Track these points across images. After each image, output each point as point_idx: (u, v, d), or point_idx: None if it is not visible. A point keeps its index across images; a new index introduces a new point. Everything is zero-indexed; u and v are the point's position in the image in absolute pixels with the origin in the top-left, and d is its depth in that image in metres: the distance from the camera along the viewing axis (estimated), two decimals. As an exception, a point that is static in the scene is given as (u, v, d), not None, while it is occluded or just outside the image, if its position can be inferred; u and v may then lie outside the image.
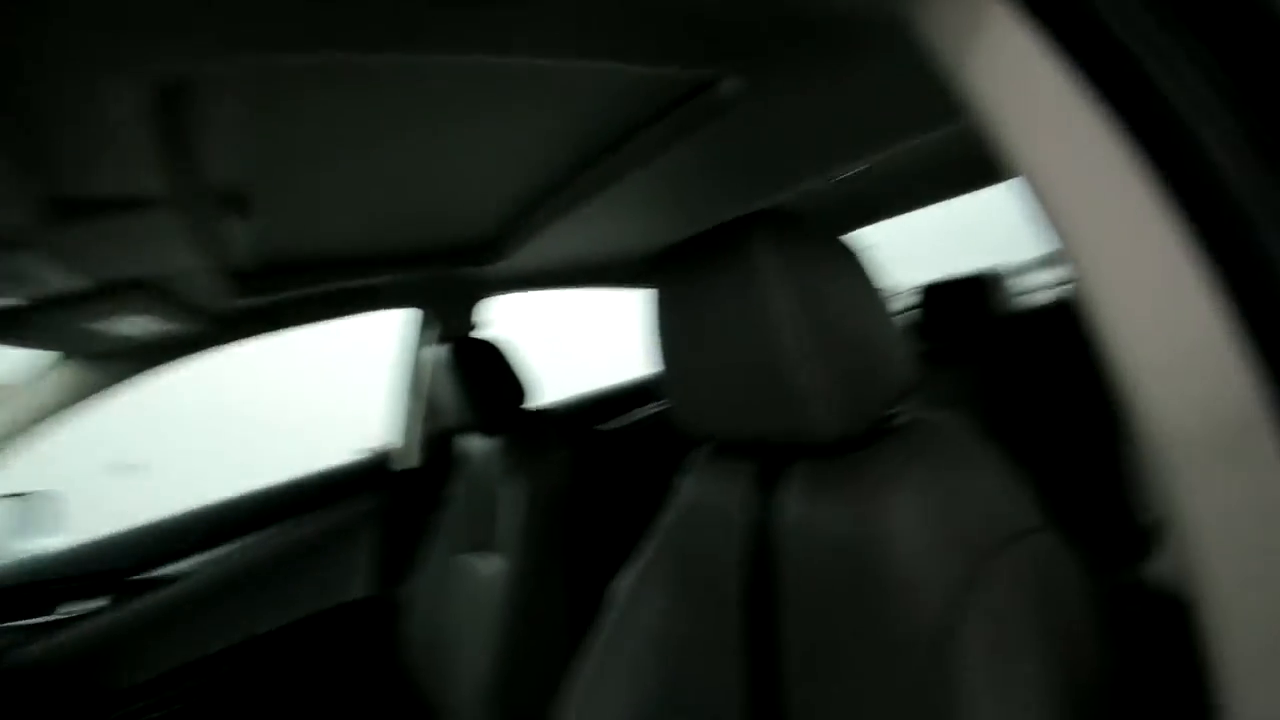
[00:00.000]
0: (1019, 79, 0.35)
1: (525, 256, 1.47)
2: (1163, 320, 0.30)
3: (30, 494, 1.41)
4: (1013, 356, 1.53)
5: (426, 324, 1.71)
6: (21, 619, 1.27)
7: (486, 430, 1.30)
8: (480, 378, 1.28)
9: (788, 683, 0.56)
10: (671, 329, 0.63)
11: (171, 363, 1.34)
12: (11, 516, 1.38)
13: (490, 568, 1.25)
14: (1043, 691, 0.41)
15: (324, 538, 1.59)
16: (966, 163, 1.38)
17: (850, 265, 0.57)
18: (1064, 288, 1.59)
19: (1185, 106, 0.28)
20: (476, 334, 1.57)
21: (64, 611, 1.31)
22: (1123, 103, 0.31)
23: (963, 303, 1.62)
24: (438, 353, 1.33)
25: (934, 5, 0.41)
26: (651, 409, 2.17)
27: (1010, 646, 0.43)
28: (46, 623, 1.29)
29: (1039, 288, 1.87)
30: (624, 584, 0.73)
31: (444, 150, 0.86)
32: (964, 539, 0.48)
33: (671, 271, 0.63)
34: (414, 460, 1.71)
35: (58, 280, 0.73)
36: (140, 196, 0.62)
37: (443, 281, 1.58)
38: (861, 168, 1.24)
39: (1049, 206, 0.35)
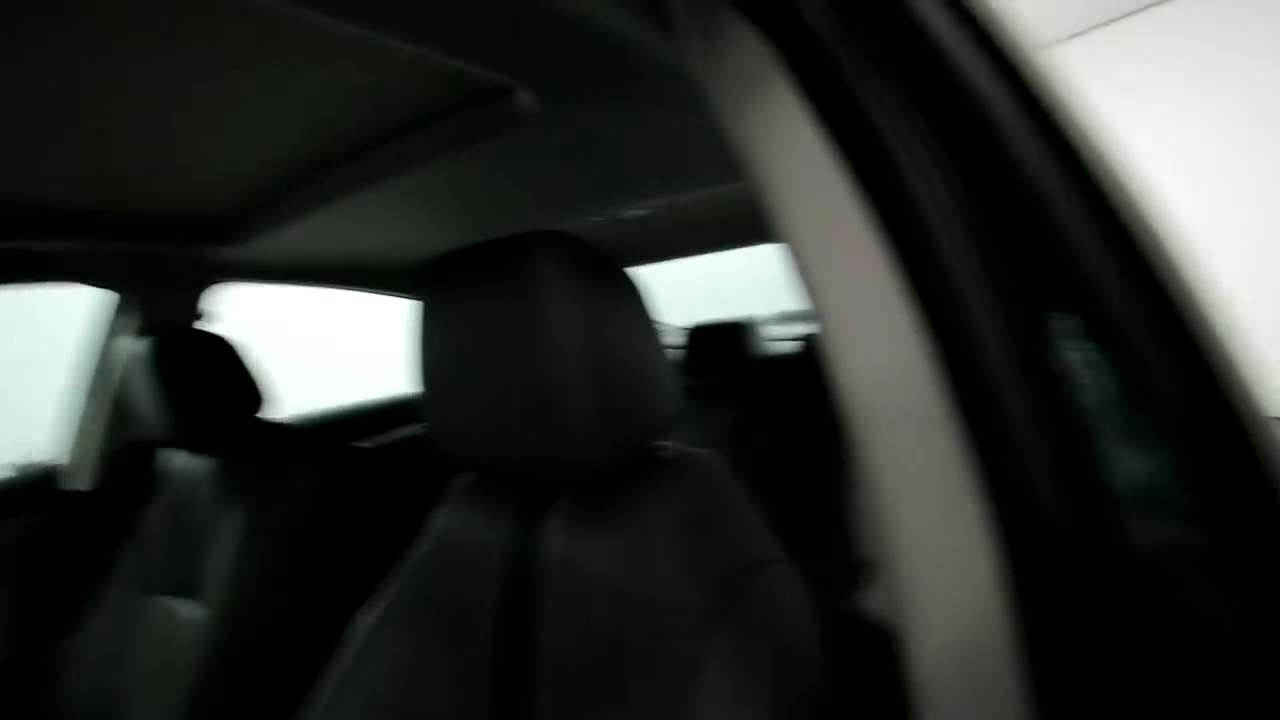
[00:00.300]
0: (785, 150, 0.37)
1: (275, 243, 1.25)
2: (883, 375, 0.33)
3: None
4: (761, 398, 1.72)
5: (124, 309, 1.35)
6: None
7: (199, 445, 1.06)
8: (195, 380, 1.04)
9: (537, 717, 0.53)
10: (436, 343, 0.57)
11: None
12: None
13: (190, 612, 1.01)
14: (771, 711, 0.43)
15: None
16: (743, 219, 1.53)
17: (630, 297, 0.57)
18: (804, 340, 1.84)
19: (923, 198, 0.32)
20: (197, 326, 1.29)
21: None
22: (872, 183, 0.35)
23: (722, 345, 1.78)
24: (134, 346, 1.06)
25: (715, 65, 0.42)
26: (420, 427, 1.99)
27: (746, 668, 0.45)
28: None
29: (783, 338, 2.15)
30: (364, 622, 0.64)
31: (190, 97, 0.68)
32: (712, 567, 0.49)
33: (442, 281, 0.57)
34: (89, 480, 1.33)
35: None
36: None
37: (156, 258, 1.27)
38: (647, 210, 1.30)
39: (801, 268, 0.37)
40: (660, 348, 0.59)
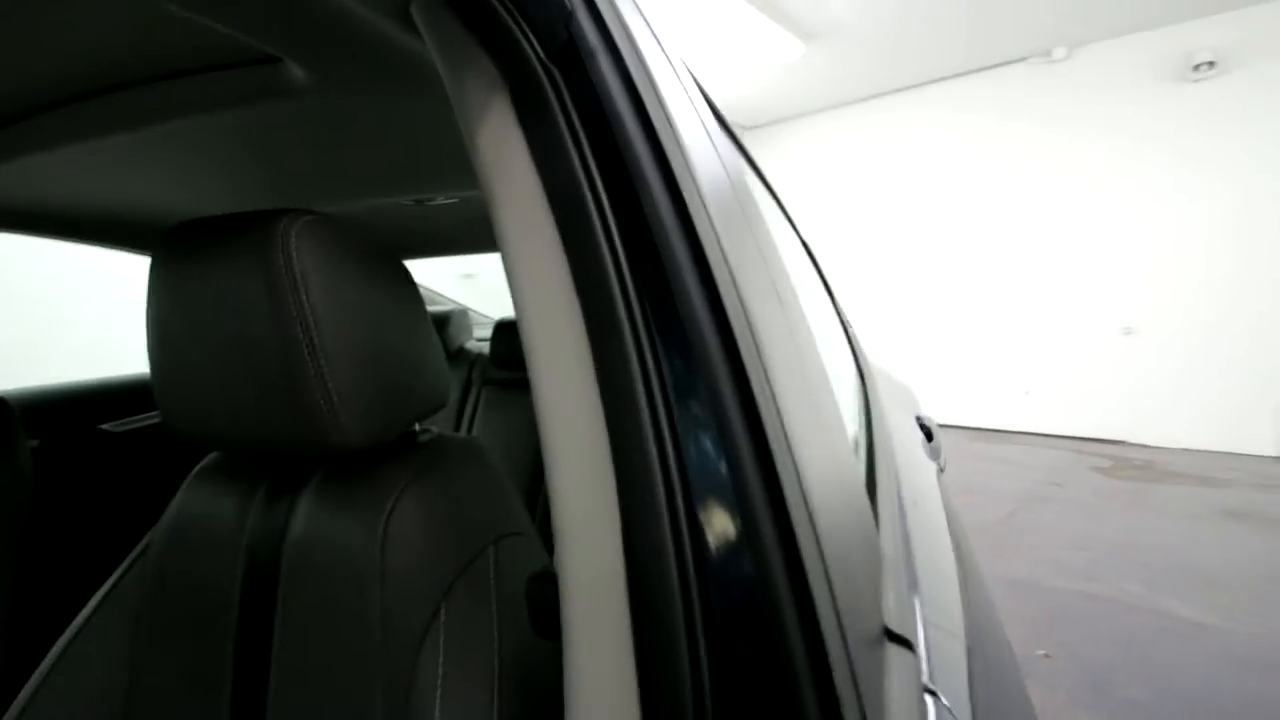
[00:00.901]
0: (501, 153, 0.42)
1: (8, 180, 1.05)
2: (553, 360, 0.39)
3: None
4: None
5: None
6: None
7: None
8: None
9: (274, 696, 0.53)
10: (171, 315, 0.54)
11: None
12: None
13: None
14: (492, 674, 0.48)
15: None
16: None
17: (391, 281, 0.58)
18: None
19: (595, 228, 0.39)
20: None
21: None
22: (560, 203, 0.41)
23: (516, 339, 1.81)
24: None
25: (456, 78, 0.46)
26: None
27: (471, 636, 0.50)
28: None
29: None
30: (78, 621, 0.59)
31: None
32: (454, 543, 0.53)
33: (180, 249, 0.54)
34: None
35: None
36: None
37: None
38: (455, 199, 1.29)
39: (511, 273, 0.42)
40: (427, 334, 0.61)
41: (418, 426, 0.61)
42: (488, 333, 1.89)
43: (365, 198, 1.22)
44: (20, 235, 1.35)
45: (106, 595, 0.61)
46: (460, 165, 1.01)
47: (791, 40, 4.62)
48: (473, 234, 1.61)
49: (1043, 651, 2.16)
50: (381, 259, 0.59)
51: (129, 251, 1.57)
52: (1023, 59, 5.26)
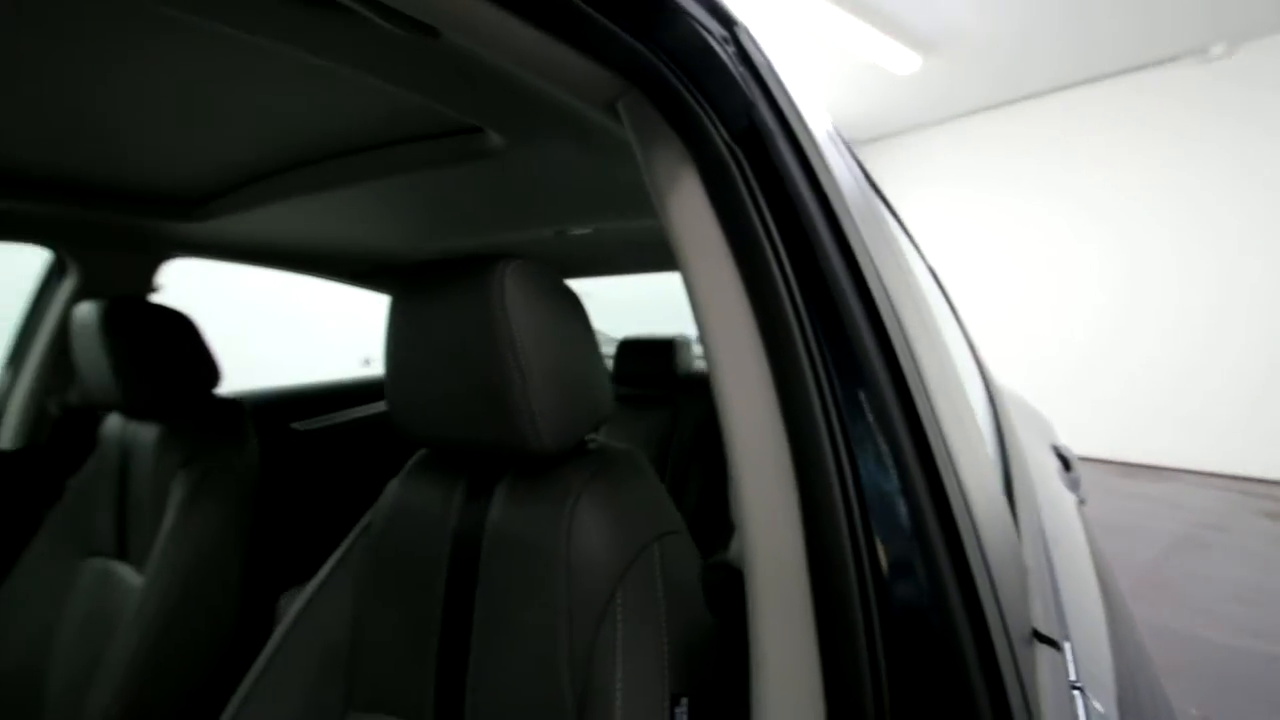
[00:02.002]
0: (690, 224, 0.51)
1: (234, 224, 1.30)
2: (744, 396, 0.47)
3: None
4: (687, 410, 1.88)
5: (64, 272, 1.36)
6: None
7: (149, 413, 1.10)
8: (147, 349, 1.09)
9: (475, 651, 0.64)
10: (406, 337, 0.67)
11: None
12: None
13: (126, 576, 1.05)
14: (662, 645, 0.57)
15: None
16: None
17: (573, 310, 0.69)
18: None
19: (776, 282, 0.47)
20: (149, 297, 1.32)
21: None
22: (743, 257, 0.49)
23: (653, 359, 1.93)
24: (84, 313, 1.09)
25: (649, 153, 0.55)
26: (355, 413, 2.04)
27: (644, 613, 0.58)
28: None
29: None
30: (315, 582, 0.73)
31: (169, 82, 0.74)
32: (625, 537, 0.62)
33: (416, 285, 0.67)
34: (26, 437, 1.33)
35: None
36: None
37: (107, 226, 1.29)
38: (588, 230, 1.43)
39: (700, 318, 0.51)
40: (597, 356, 0.71)
41: (588, 436, 0.71)
42: (609, 350, 2.03)
43: (533, 230, 1.38)
44: (256, 268, 1.64)
45: (339, 561, 0.74)
46: (634, 198, 1.13)
47: (908, 53, 4.51)
48: (644, 255, 1.77)
49: (1197, 712, 1.95)
50: (565, 292, 0.69)
51: (338, 282, 1.86)
52: (1174, 59, 4.79)
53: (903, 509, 0.40)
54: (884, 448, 0.41)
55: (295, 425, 1.83)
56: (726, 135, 0.51)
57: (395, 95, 0.73)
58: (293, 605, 0.74)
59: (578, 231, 1.45)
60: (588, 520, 0.62)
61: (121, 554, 1.09)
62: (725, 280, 0.49)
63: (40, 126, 0.88)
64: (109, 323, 1.06)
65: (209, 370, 1.15)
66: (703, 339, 0.49)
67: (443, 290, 0.65)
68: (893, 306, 0.47)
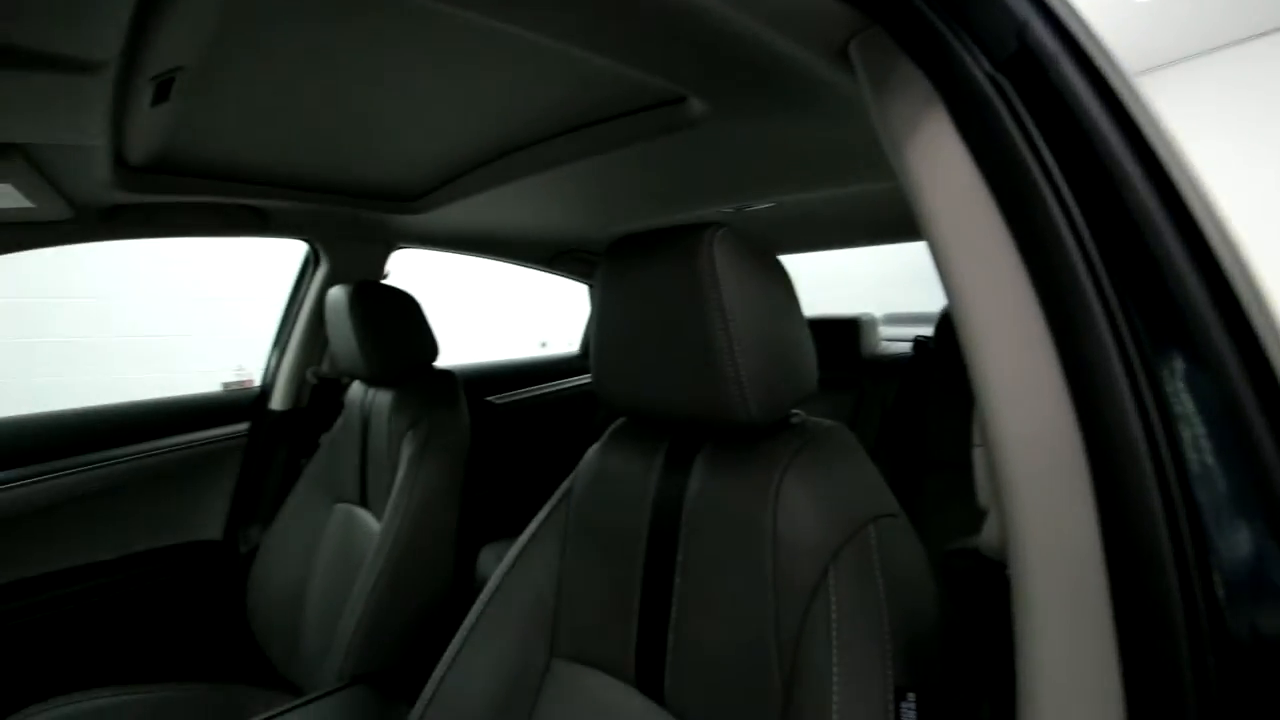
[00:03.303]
0: (940, 175, 0.45)
1: (450, 214, 1.44)
2: (1013, 361, 0.41)
3: None
4: (873, 395, 1.76)
5: (318, 261, 1.61)
6: None
7: (385, 382, 1.26)
8: (385, 326, 1.24)
9: (676, 617, 0.64)
10: (612, 306, 0.68)
11: (14, 249, 1.16)
12: None
13: (365, 520, 1.22)
14: (883, 633, 0.52)
15: (178, 469, 1.45)
16: (882, 218, 1.57)
17: (781, 281, 0.66)
18: (916, 343, 1.85)
19: (1064, 238, 0.39)
20: (383, 281, 1.51)
21: None
22: (1011, 203, 0.42)
23: (837, 340, 1.82)
24: (336, 294, 1.27)
25: (883, 95, 0.50)
26: (540, 390, 2.20)
27: (861, 598, 0.54)
28: None
29: (896, 339, 2.15)
30: (524, 538, 0.78)
31: (396, 86, 0.84)
32: (837, 516, 0.58)
33: (622, 256, 0.68)
34: (290, 401, 1.61)
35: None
36: (78, 59, 0.56)
37: (348, 220, 1.50)
38: (785, 201, 1.37)
39: (945, 272, 0.45)
40: (804, 328, 0.67)
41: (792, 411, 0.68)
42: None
43: (727, 203, 1.37)
44: (460, 255, 1.83)
45: (543, 521, 0.79)
46: (836, 165, 1.08)
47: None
48: (834, 230, 1.71)
49: None
50: (772, 261, 0.66)
51: (532, 267, 2.02)
52: None
53: (1253, 507, 0.32)
54: (1227, 436, 0.33)
55: (490, 399, 2.02)
56: (988, 65, 0.44)
57: (599, 71, 0.74)
58: (499, 557, 0.80)
59: (770, 204, 1.40)
60: (796, 495, 0.60)
61: (363, 501, 1.26)
62: (989, 236, 0.42)
63: (301, 136, 1.03)
64: (354, 304, 1.22)
65: (430, 345, 1.29)
66: (955, 306, 0.43)
67: (650, 258, 0.65)
68: (1238, 260, 0.37)
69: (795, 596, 0.56)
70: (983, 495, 0.46)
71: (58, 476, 1.29)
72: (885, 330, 2.09)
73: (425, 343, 1.29)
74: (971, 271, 0.43)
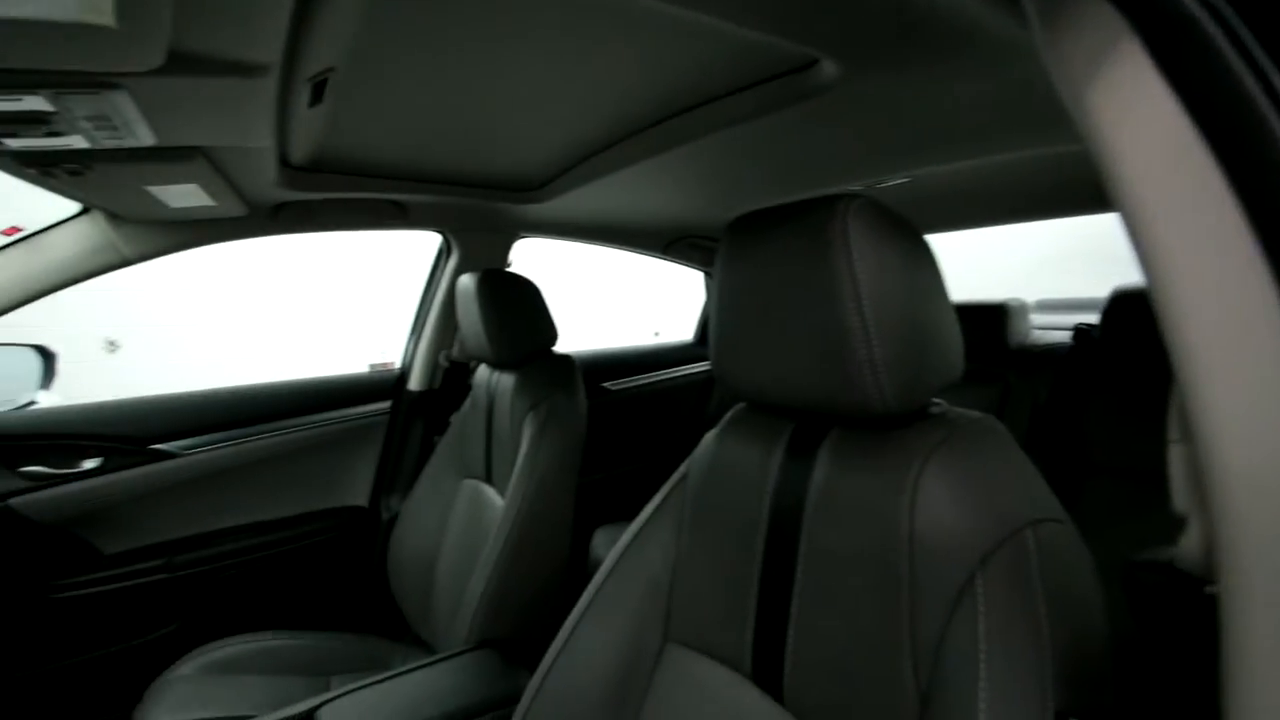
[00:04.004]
0: (1136, 123, 0.37)
1: (572, 202, 1.47)
2: (1234, 345, 0.33)
3: (29, 346, 1.42)
4: (1021, 389, 1.58)
5: (450, 251, 1.71)
6: (35, 466, 1.29)
7: (509, 365, 1.31)
8: (509, 312, 1.29)
9: (797, 612, 0.61)
10: (735, 287, 0.65)
11: (200, 243, 1.33)
12: (11, 364, 1.39)
13: (492, 496, 1.28)
14: (1042, 651, 0.46)
15: (330, 441, 1.62)
16: (1038, 190, 1.40)
17: (924, 259, 0.59)
18: (1076, 332, 1.63)
19: None
20: (507, 269, 1.58)
21: (74, 467, 1.32)
22: (1236, 158, 0.34)
23: (981, 327, 1.66)
24: (465, 282, 1.33)
25: (1059, 34, 0.42)
26: (654, 377, 2.21)
27: (1015, 610, 0.48)
28: (55, 475, 1.31)
29: (1049, 327, 1.92)
30: (639, 522, 0.77)
31: (521, 75, 0.85)
32: (987, 517, 0.52)
33: (747, 232, 0.65)
34: (426, 382, 1.73)
35: (139, 132, 0.73)
36: (245, 63, 0.62)
37: (477, 210, 1.57)
38: (906, 178, 1.26)
39: (1145, 247, 0.37)
40: (949, 308, 0.61)
41: (932, 400, 0.62)
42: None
43: (857, 178, 1.29)
44: (578, 243, 1.88)
45: (659, 506, 0.78)
46: (985, 128, 0.98)
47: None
48: (978, 205, 1.57)
49: None
50: (913, 234, 0.60)
51: (650, 255, 2.04)
52: None
53: None
54: None
55: (605, 385, 2.05)
56: None
57: (724, 40, 0.71)
58: (612, 539, 0.80)
59: (903, 179, 1.30)
60: (937, 491, 0.54)
61: (488, 478, 1.33)
62: (1205, 200, 0.34)
63: (436, 131, 1.09)
64: (480, 290, 1.28)
65: (551, 330, 1.32)
66: (1156, 283, 0.36)
67: (776, 234, 0.61)
68: None
69: (936, 602, 0.51)
70: (1180, 499, 0.38)
71: (237, 443, 1.48)
72: (1036, 318, 1.88)
73: (546, 328, 1.32)
74: (1180, 242, 0.35)
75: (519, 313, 1.30)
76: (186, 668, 1.20)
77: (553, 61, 0.81)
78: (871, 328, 0.54)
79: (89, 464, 1.35)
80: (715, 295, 0.68)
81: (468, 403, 1.46)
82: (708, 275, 2.30)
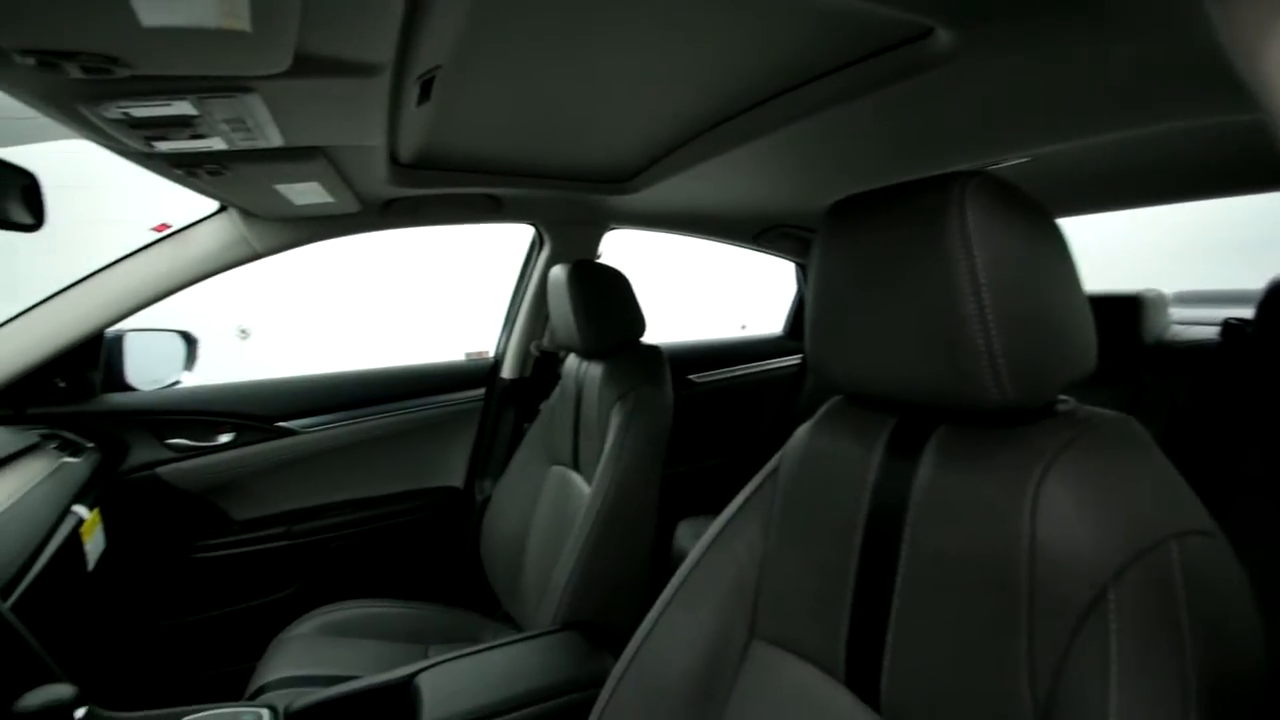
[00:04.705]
0: None
1: (661, 192, 1.46)
2: None
3: (175, 331, 1.59)
4: (1158, 390, 1.42)
5: (542, 244, 1.75)
6: (180, 439, 1.46)
7: (598, 355, 1.33)
8: (599, 303, 1.31)
9: (897, 619, 0.57)
10: (835, 273, 0.62)
11: (318, 238, 1.44)
12: (161, 347, 1.56)
13: (578, 484, 1.31)
14: (1186, 682, 0.41)
15: (430, 424, 1.72)
16: (1184, 167, 1.26)
17: (1053, 237, 0.54)
18: (1224, 328, 1.45)
19: None
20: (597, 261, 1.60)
21: (212, 440, 1.48)
22: None
23: (1109, 321, 1.50)
24: (557, 273, 1.36)
25: None
26: (741, 371, 2.18)
27: (1155, 633, 0.43)
28: (195, 447, 1.46)
29: (1192, 322, 1.71)
30: (727, 514, 0.75)
31: (615, 64, 0.85)
32: (1122, 526, 0.46)
33: (850, 216, 0.61)
34: (517, 371, 1.79)
35: (269, 133, 0.79)
36: (362, 63, 0.66)
37: (569, 203, 1.60)
38: (1025, 158, 1.16)
39: None
40: (1080, 296, 0.55)
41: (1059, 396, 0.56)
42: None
43: (977, 160, 1.21)
44: (667, 234, 1.87)
45: (747, 499, 0.76)
46: (1116, 103, 0.89)
47: None
48: (1106, 188, 1.44)
49: None
50: (1040, 215, 0.55)
51: (740, 245, 2.00)
52: None
53: None
54: None
55: (690, 377, 2.04)
56: None
57: (828, 11, 0.67)
58: (695, 532, 0.79)
59: (1022, 159, 1.20)
60: (1064, 496, 0.49)
61: (575, 465, 1.35)
62: None
63: (530, 125, 1.11)
64: (571, 280, 1.30)
65: (639, 321, 1.33)
66: None
67: (884, 217, 0.58)
68: None
69: (1059, 616, 0.47)
70: None
71: (349, 423, 1.60)
72: (1175, 311, 1.68)
73: (634, 318, 1.33)
74: None
75: (608, 303, 1.32)
76: (304, 627, 1.31)
77: (648, 49, 0.80)
78: (990, 315, 0.49)
79: (224, 438, 1.49)
80: (813, 282, 0.65)
81: (557, 391, 1.49)
82: (799, 266, 2.23)
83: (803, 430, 0.73)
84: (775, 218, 1.88)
